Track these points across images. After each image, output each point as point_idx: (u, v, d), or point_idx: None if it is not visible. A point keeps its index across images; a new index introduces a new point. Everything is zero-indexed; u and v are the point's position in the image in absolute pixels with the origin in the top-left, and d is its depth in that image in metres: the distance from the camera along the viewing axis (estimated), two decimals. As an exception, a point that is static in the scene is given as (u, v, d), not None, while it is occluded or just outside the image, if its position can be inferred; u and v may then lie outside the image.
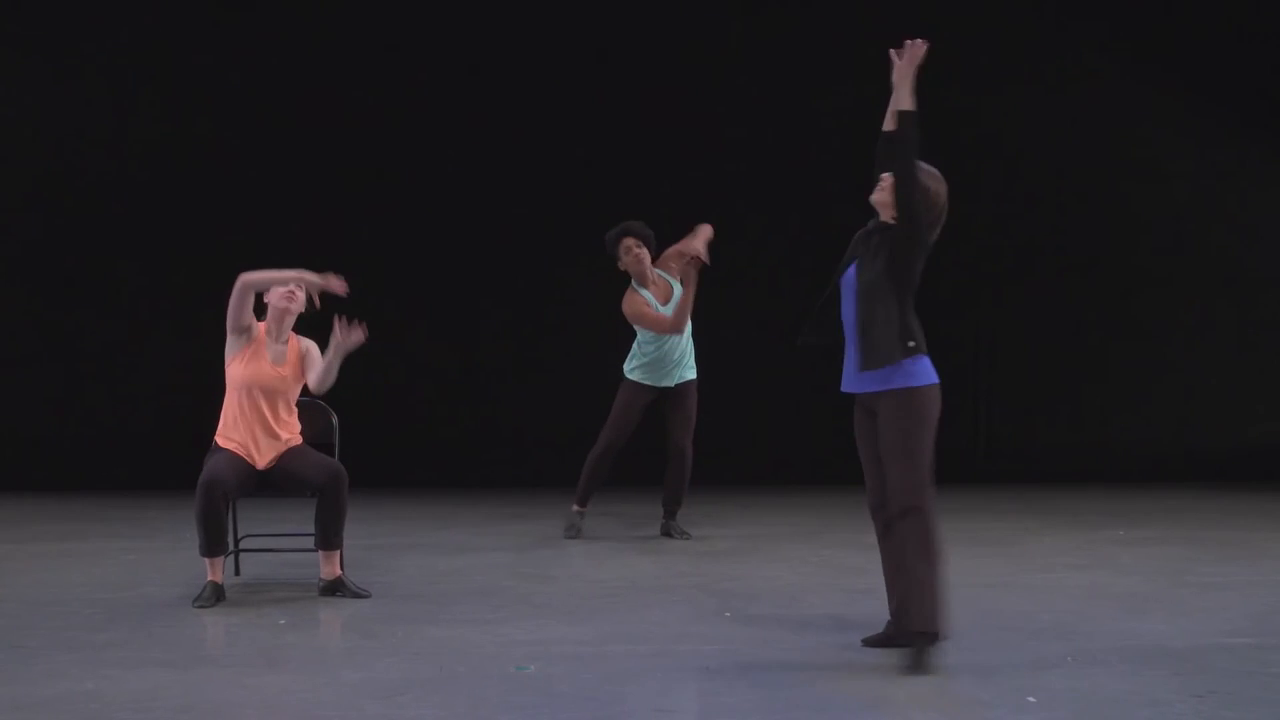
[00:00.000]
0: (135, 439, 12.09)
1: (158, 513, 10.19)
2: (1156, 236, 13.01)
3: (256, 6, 12.16)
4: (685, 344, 8.68)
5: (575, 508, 8.86)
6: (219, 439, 6.78)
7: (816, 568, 7.69)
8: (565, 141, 12.20)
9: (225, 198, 12.13)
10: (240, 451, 6.71)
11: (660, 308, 8.52)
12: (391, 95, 12.23)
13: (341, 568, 6.78)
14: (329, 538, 6.77)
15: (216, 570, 6.55)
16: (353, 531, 7.23)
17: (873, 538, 8.79)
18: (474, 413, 11.84)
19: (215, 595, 6.47)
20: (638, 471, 12.07)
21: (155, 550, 8.37)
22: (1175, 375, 12.99)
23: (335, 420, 7.28)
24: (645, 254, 8.53)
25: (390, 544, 8.40)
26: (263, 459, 6.74)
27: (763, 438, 12.24)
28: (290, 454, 6.80)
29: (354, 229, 11.96)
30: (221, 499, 6.54)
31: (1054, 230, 12.94)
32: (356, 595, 6.70)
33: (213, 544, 6.54)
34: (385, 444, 11.02)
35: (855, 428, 5.60)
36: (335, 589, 6.72)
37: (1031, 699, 4.77)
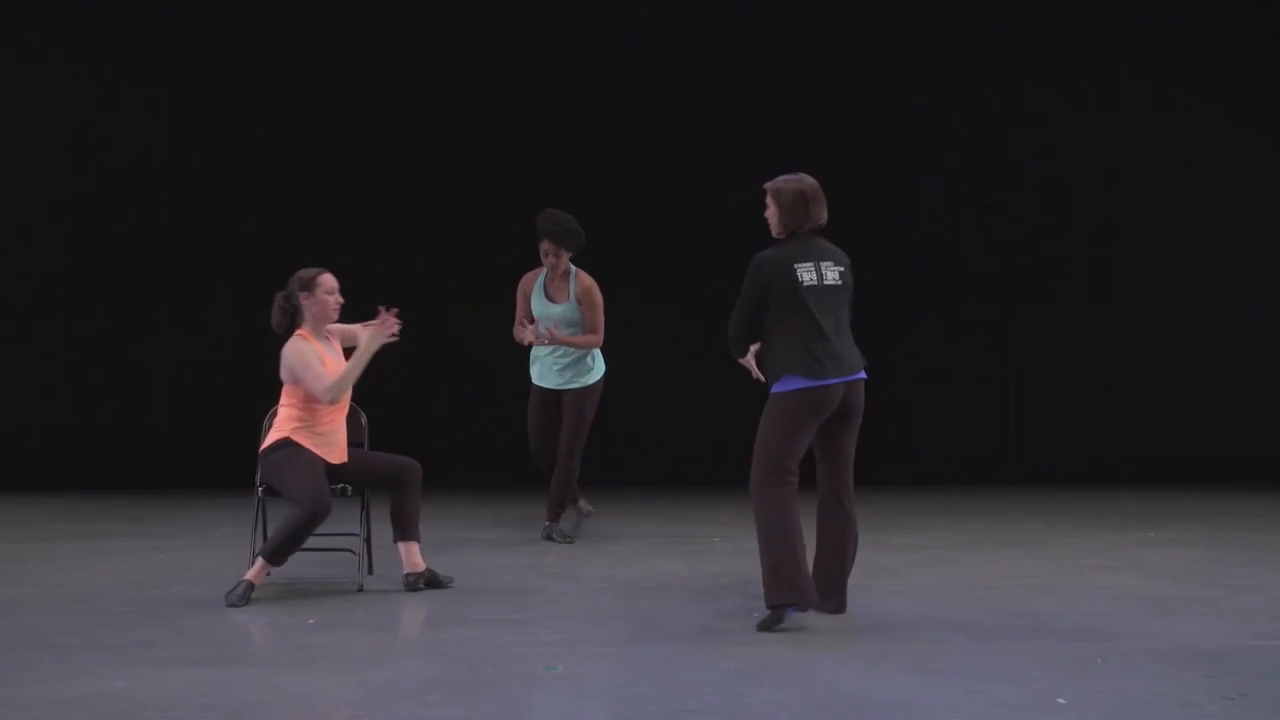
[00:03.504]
0: (158, 438, 12.14)
1: (183, 511, 10.25)
2: (1186, 240, 12.95)
3: (268, 8, 12.22)
4: (566, 351, 8.59)
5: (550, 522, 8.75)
6: (294, 434, 6.73)
7: (844, 568, 7.66)
8: (575, 145, 12.23)
9: (247, 197, 12.19)
10: (326, 451, 6.75)
11: (547, 305, 8.48)
12: (414, 96, 12.27)
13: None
14: (411, 530, 6.87)
15: (259, 573, 6.56)
16: (381, 531, 7.26)
17: (901, 539, 8.85)
18: (502, 413, 11.86)
19: (248, 594, 6.48)
20: (662, 472, 12.16)
21: (184, 549, 8.40)
22: (1204, 377, 12.93)
23: (364, 420, 7.30)
24: (561, 260, 8.43)
25: (418, 544, 8.41)
26: (337, 457, 6.79)
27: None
28: (355, 451, 6.90)
29: (379, 228, 12.01)
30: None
31: (1083, 232, 12.89)
32: (445, 585, 6.92)
33: (282, 556, 6.59)
34: (413, 444, 11.04)
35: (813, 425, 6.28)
36: (432, 581, 6.88)
37: (1062, 700, 4.76)
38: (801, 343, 6.19)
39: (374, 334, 6.76)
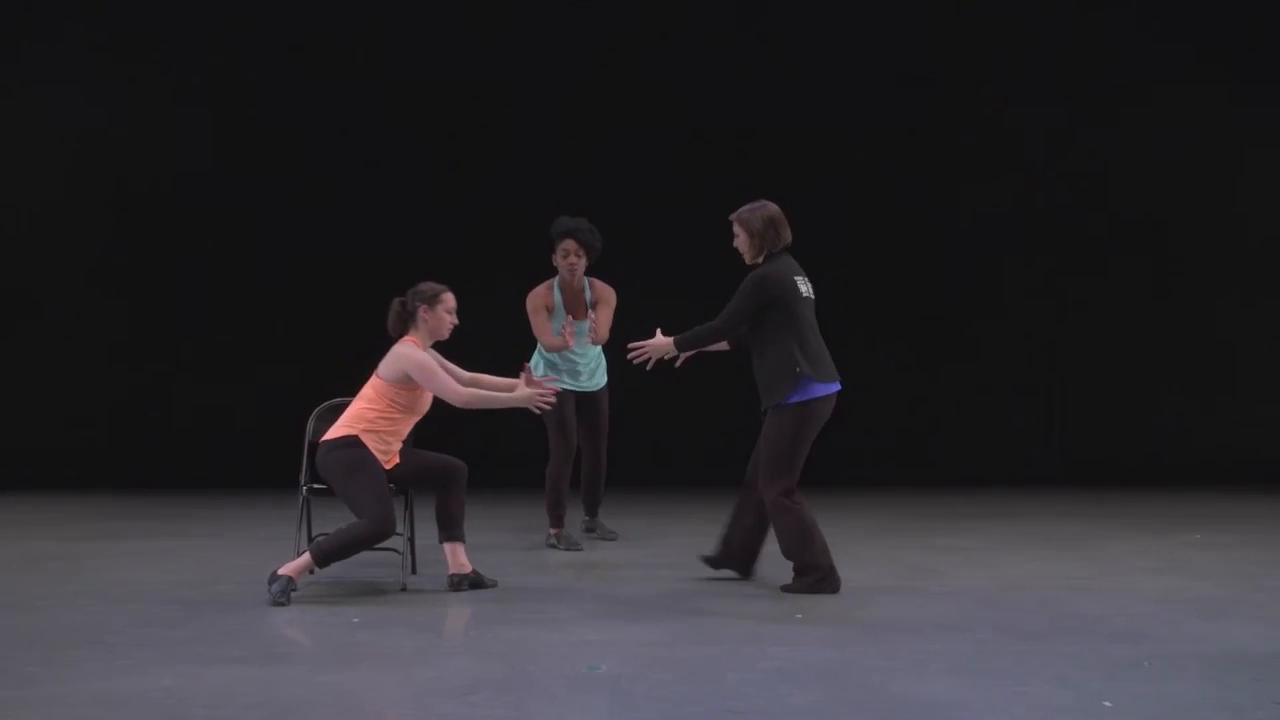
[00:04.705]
0: (203, 438, 12.24)
1: (229, 510, 10.34)
2: (1233, 241, 12.87)
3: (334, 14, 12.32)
4: (597, 351, 8.58)
5: (552, 530, 8.57)
6: (364, 435, 6.72)
7: (886, 569, 7.65)
8: (591, 147, 12.29)
9: (285, 200, 12.31)
10: (383, 457, 6.75)
11: (564, 321, 8.33)
12: (446, 103, 12.37)
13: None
14: (456, 530, 6.89)
15: (301, 571, 6.57)
16: (424, 531, 7.29)
17: (945, 540, 8.83)
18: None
19: (289, 590, 6.49)
20: (703, 472, 12.14)
21: (229, 548, 8.46)
22: (1250, 379, 12.85)
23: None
24: (582, 263, 8.36)
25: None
26: (390, 464, 6.82)
27: (823, 437, 12.17)
28: (406, 451, 6.92)
29: (420, 230, 12.10)
30: None
31: (1128, 233, 12.83)
32: (489, 586, 6.92)
33: (331, 561, 6.61)
34: (454, 446, 11.11)
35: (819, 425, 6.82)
36: (476, 582, 6.89)
37: (1108, 703, 4.73)
38: (812, 350, 6.74)
39: (529, 396, 6.85)
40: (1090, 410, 12.87)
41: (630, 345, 7.05)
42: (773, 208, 6.91)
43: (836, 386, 6.81)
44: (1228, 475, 12.35)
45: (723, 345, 7.08)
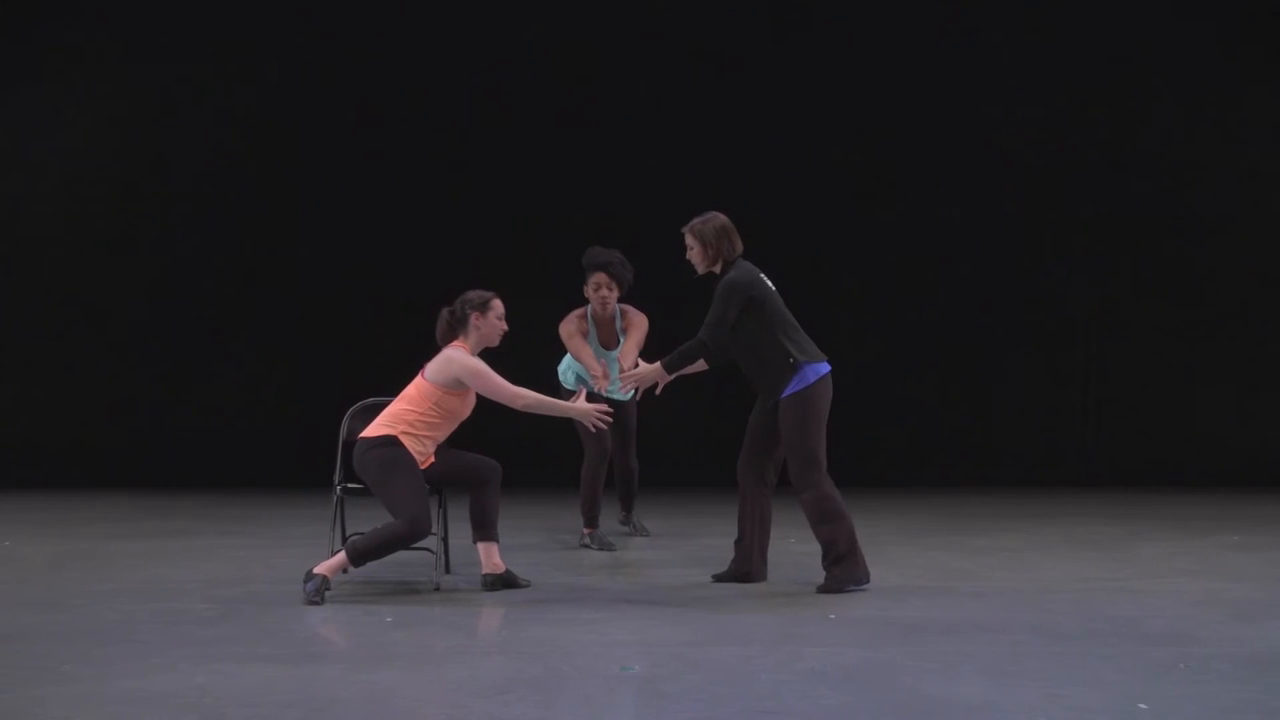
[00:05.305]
0: (238, 437, 12.29)
1: (263, 510, 10.37)
2: (1270, 241, 12.78)
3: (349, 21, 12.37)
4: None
5: (585, 530, 8.61)
6: (403, 437, 6.73)
7: (920, 570, 7.63)
8: (618, 149, 12.31)
9: (316, 206, 12.37)
10: (419, 458, 6.76)
11: (602, 352, 8.37)
12: (469, 110, 12.41)
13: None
14: (490, 530, 6.89)
15: (335, 570, 6.58)
16: (456, 531, 7.30)
17: (980, 540, 8.80)
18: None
19: (323, 589, 6.51)
20: (733, 473, 12.13)
21: (263, 547, 8.49)
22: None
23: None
24: (614, 295, 8.34)
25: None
26: (424, 465, 6.82)
27: (854, 438, 12.17)
28: (441, 451, 6.92)
29: (436, 233, 12.15)
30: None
31: (1167, 233, 12.76)
32: (522, 587, 6.91)
33: (366, 561, 6.62)
34: (489, 446, 11.12)
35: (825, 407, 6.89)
36: (510, 582, 6.89)
37: (1143, 705, 4.70)
38: (799, 337, 6.88)
39: (584, 412, 6.85)
40: (1126, 411, 12.80)
41: (621, 376, 7.12)
42: (723, 218, 6.96)
43: (829, 365, 6.89)
44: (1265, 476, 12.27)
45: (700, 365, 7.07)
